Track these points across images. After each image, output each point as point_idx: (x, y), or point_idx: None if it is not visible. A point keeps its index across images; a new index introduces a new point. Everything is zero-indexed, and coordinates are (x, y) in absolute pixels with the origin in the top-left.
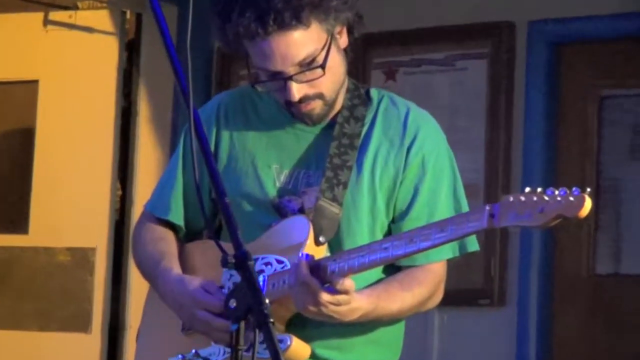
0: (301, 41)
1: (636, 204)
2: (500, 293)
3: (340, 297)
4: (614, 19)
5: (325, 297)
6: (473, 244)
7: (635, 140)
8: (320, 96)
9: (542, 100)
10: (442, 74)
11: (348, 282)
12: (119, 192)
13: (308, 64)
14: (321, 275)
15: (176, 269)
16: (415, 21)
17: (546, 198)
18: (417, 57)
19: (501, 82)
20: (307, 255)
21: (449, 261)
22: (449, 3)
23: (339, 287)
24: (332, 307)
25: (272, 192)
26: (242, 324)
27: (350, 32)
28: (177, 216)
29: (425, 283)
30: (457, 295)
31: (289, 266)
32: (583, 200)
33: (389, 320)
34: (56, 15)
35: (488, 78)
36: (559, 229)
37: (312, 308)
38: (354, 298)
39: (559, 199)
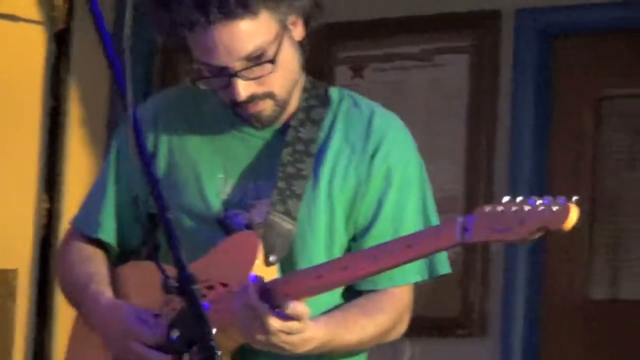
0: (248, 32)
1: (637, 219)
2: (480, 322)
3: (292, 325)
4: (615, 8)
5: (275, 324)
6: (444, 266)
7: (636, 147)
8: (270, 95)
9: (531, 100)
10: (417, 70)
11: (300, 307)
12: (46, 205)
13: (256, 59)
14: (271, 299)
15: (107, 293)
16: (386, 10)
17: (527, 208)
18: (388, 51)
19: (484, 79)
20: (256, 276)
21: (420, 286)
22: None
23: (290, 312)
24: (283, 336)
25: (216, 206)
26: (186, 357)
27: (306, 23)
28: (109, 234)
29: (388, 310)
30: (431, 325)
31: (235, 290)
32: (568, 209)
33: (347, 352)
34: None
35: (469, 75)
36: (547, 250)
37: (260, 337)
38: (308, 326)
39: (541, 208)
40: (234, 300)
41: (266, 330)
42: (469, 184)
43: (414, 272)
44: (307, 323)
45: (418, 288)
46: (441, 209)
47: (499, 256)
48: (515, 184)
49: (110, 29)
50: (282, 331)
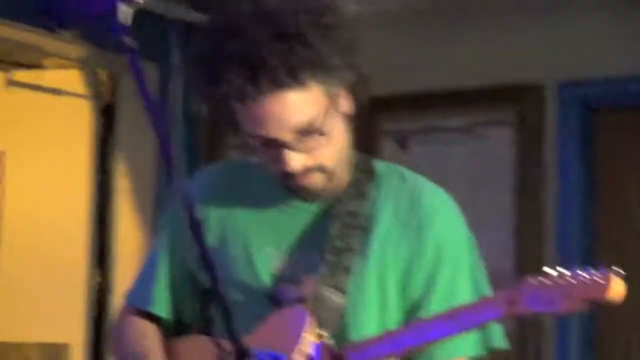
0: (298, 103)
1: None
2: None
3: None
4: None
5: None
6: (499, 339)
7: None
8: (321, 168)
9: (576, 170)
10: (462, 143)
11: None
12: (97, 280)
13: (306, 131)
14: None
15: None
16: (430, 84)
17: (571, 280)
18: (432, 124)
19: (529, 151)
20: (319, 344)
21: None
22: (468, 64)
23: None
24: None
25: (266, 280)
26: None
27: (353, 96)
28: (162, 308)
29: None
30: None
31: None
32: (608, 280)
33: None
34: (20, 75)
35: (514, 147)
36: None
37: None
38: None
39: (584, 280)
40: None
41: None
42: (518, 257)
43: (470, 345)
44: None
45: None
46: (490, 281)
47: (552, 330)
48: (564, 253)
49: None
50: None
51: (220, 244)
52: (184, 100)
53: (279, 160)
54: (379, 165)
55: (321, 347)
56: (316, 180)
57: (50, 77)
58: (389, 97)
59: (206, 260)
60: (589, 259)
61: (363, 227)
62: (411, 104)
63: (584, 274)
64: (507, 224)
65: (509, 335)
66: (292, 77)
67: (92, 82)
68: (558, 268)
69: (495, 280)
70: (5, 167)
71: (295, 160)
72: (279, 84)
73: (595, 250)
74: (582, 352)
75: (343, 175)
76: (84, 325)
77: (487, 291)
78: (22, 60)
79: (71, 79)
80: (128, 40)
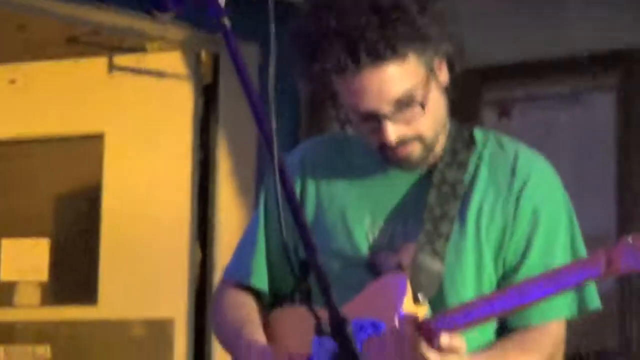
0: (397, 76)
1: None
2: (639, 356)
3: (451, 358)
4: None
5: (434, 357)
6: (594, 301)
7: None
8: (419, 138)
9: None
10: (563, 110)
11: (457, 340)
12: (199, 256)
13: (405, 102)
14: (425, 334)
15: (260, 338)
16: (531, 52)
17: None
18: (534, 92)
19: (632, 117)
20: (404, 314)
21: (575, 322)
22: (567, 30)
23: (445, 345)
24: None
25: (364, 249)
26: None
27: (450, 67)
28: (261, 281)
29: (544, 346)
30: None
31: (384, 330)
32: None
33: None
34: (122, 59)
35: (617, 113)
36: None
37: None
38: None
39: None
40: (388, 340)
41: None
42: (621, 221)
43: (564, 307)
44: (464, 358)
45: (575, 324)
46: (594, 248)
47: None
48: None
49: (256, 81)
50: None
51: (318, 215)
52: (283, 78)
53: (378, 132)
54: (477, 133)
55: (403, 319)
56: (414, 150)
57: (152, 60)
58: (489, 67)
59: (304, 232)
60: None
61: (460, 195)
62: (512, 72)
63: None
64: (610, 190)
65: (611, 297)
66: (390, 49)
67: (193, 63)
68: None
69: (599, 245)
70: (105, 148)
71: (394, 132)
72: (378, 57)
73: None
74: None
75: (440, 145)
76: (187, 300)
77: (584, 254)
78: (124, 45)
79: (172, 61)
80: (225, 21)
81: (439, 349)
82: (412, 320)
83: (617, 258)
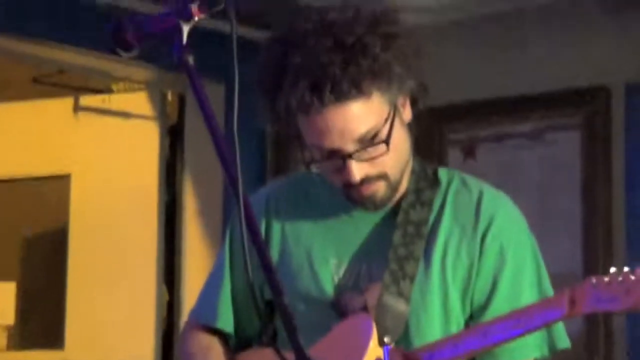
0: (361, 114)
1: None
2: None
3: None
4: None
5: None
6: (563, 341)
7: None
8: (383, 176)
9: None
10: (529, 149)
11: None
12: (166, 298)
13: (369, 140)
14: None
15: None
16: (495, 90)
17: (632, 278)
18: (499, 131)
19: (597, 155)
20: (391, 348)
21: None
22: (533, 69)
23: None
24: None
25: (330, 290)
26: None
27: (414, 104)
28: (227, 323)
29: None
30: None
31: None
32: None
33: None
34: (88, 99)
35: (582, 151)
36: None
37: None
38: None
39: None
40: None
41: None
42: (588, 260)
43: (534, 347)
44: None
45: None
46: (561, 286)
47: (621, 331)
48: (634, 258)
49: (222, 120)
50: None
51: (283, 255)
52: (249, 117)
53: (342, 171)
54: (441, 172)
55: (391, 351)
56: (379, 189)
57: (118, 100)
58: (453, 106)
59: (269, 272)
60: None
61: (425, 235)
62: (477, 111)
63: None
64: (575, 229)
65: (578, 337)
66: (354, 87)
67: (159, 103)
68: (622, 268)
69: (566, 283)
70: (71, 190)
71: (358, 171)
72: (342, 95)
73: None
74: None
75: (404, 184)
76: (154, 343)
77: (551, 293)
78: (89, 85)
79: (138, 101)
80: (188, 59)
81: None
82: (401, 353)
83: (581, 298)
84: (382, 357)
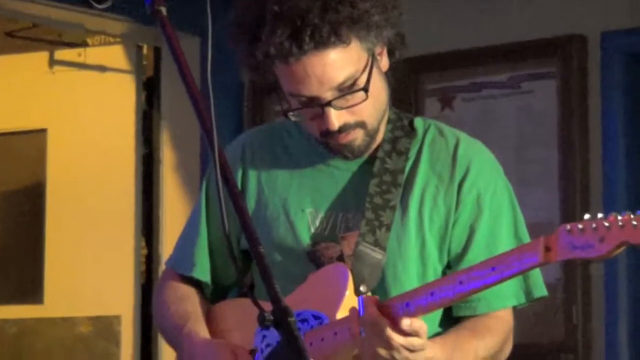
0: (340, 61)
1: None
2: (585, 346)
3: (414, 341)
4: None
5: (398, 339)
6: (540, 289)
7: None
8: (361, 124)
9: (621, 121)
10: (506, 98)
11: (418, 323)
12: (144, 251)
13: (348, 88)
14: (388, 316)
15: (202, 332)
16: (472, 40)
17: (606, 224)
18: (476, 81)
19: (574, 104)
20: (363, 297)
21: (523, 312)
22: (509, 18)
23: (408, 328)
24: (405, 352)
25: (306, 240)
26: None
27: (391, 54)
28: (203, 272)
29: (496, 332)
30: (535, 350)
31: (327, 321)
32: None
33: None
34: (63, 54)
35: (558, 100)
36: None
37: (383, 353)
38: (428, 344)
39: (620, 224)
40: (348, 322)
41: (390, 346)
42: (565, 208)
43: (511, 295)
44: (426, 341)
45: (521, 313)
46: (538, 236)
47: (599, 278)
48: (611, 207)
49: (198, 73)
50: (405, 347)
51: (259, 205)
52: (226, 69)
53: (320, 119)
54: (417, 122)
55: (365, 300)
56: (357, 137)
57: (93, 54)
58: (430, 56)
59: (245, 222)
60: (636, 210)
61: (401, 184)
62: (454, 61)
63: (620, 217)
64: (552, 178)
65: (556, 285)
66: (334, 34)
67: (134, 56)
68: (596, 215)
69: (543, 232)
70: (47, 144)
71: (336, 118)
72: (321, 42)
73: None
74: (632, 302)
75: (380, 134)
76: (134, 296)
77: (528, 239)
78: (64, 39)
79: (113, 55)
80: (162, 10)
81: (402, 332)
82: (375, 302)
83: (555, 245)
84: (356, 306)
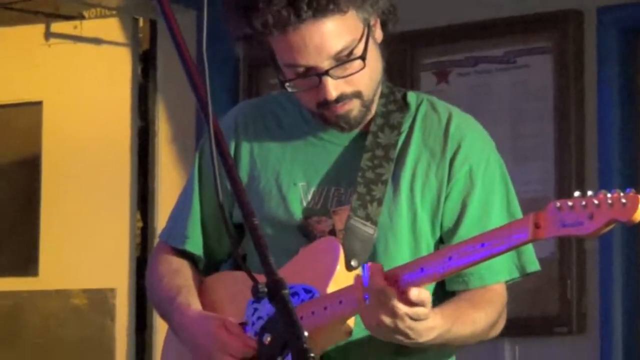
0: (337, 30)
1: None
2: (579, 319)
3: (419, 310)
4: None
5: (403, 307)
6: (533, 264)
7: None
8: (358, 95)
9: (617, 97)
10: (501, 72)
11: (425, 293)
12: (140, 224)
13: (345, 57)
14: (392, 285)
15: (194, 304)
16: (467, 14)
17: (596, 202)
18: (471, 55)
19: (569, 78)
20: (368, 265)
21: (518, 286)
22: None
23: (415, 297)
24: (408, 321)
25: (298, 213)
26: None
27: (384, 26)
28: (196, 245)
29: (493, 304)
30: (529, 323)
31: (317, 295)
32: (637, 202)
33: (459, 346)
34: (59, 26)
35: (554, 75)
36: None
37: (387, 321)
38: (431, 314)
39: (609, 202)
40: (352, 290)
41: (394, 314)
42: (560, 183)
43: (503, 270)
44: (430, 310)
45: (516, 288)
46: (533, 211)
47: (594, 253)
48: (606, 181)
49: (194, 46)
50: (409, 316)
51: (252, 178)
52: (221, 43)
53: (317, 89)
54: (410, 96)
55: (371, 268)
56: (353, 108)
57: (89, 27)
58: (426, 30)
59: (239, 194)
60: (632, 185)
61: (393, 159)
62: (449, 35)
63: (610, 195)
64: (548, 153)
65: (551, 261)
66: (331, 2)
67: (130, 29)
68: (586, 192)
69: (538, 207)
70: (43, 117)
71: (334, 87)
72: (319, 10)
73: (638, 179)
74: (627, 277)
75: (373, 108)
76: (128, 269)
77: (519, 213)
78: (60, 11)
79: (109, 28)
80: None
81: (409, 302)
82: (380, 270)
83: (545, 222)
84: (360, 274)
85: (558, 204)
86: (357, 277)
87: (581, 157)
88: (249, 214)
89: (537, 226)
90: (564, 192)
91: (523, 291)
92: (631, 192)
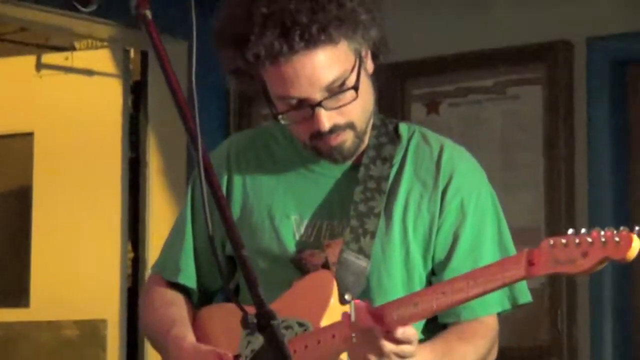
0: (329, 61)
1: None
2: (570, 350)
3: (405, 348)
4: None
5: (389, 346)
6: (524, 295)
7: None
8: (351, 125)
9: (607, 127)
10: (491, 103)
11: (411, 331)
12: (131, 255)
13: (337, 88)
14: (379, 322)
15: (189, 336)
16: (457, 45)
17: (589, 240)
18: (462, 86)
19: (559, 109)
20: (358, 302)
21: (508, 317)
22: (495, 23)
23: (401, 335)
24: (395, 359)
25: (291, 247)
26: None
27: (375, 58)
28: (189, 278)
29: (483, 336)
30: (520, 354)
31: (311, 329)
32: (630, 240)
33: None
34: (50, 57)
35: (544, 105)
36: (633, 275)
37: (373, 359)
38: (418, 351)
39: (603, 240)
40: (339, 328)
41: (380, 353)
42: (550, 213)
43: (495, 302)
44: (417, 347)
45: (506, 318)
46: (523, 241)
47: (584, 283)
48: (596, 213)
49: (185, 77)
50: (396, 354)
51: (244, 212)
52: (212, 74)
53: (310, 121)
54: (402, 127)
55: (357, 306)
56: (346, 139)
57: (80, 58)
58: (416, 61)
59: (229, 227)
60: (622, 219)
61: (386, 191)
62: (440, 66)
63: (603, 233)
64: (538, 184)
65: (542, 289)
66: (323, 32)
67: (121, 60)
68: (580, 230)
69: (528, 238)
70: (34, 148)
71: (327, 119)
72: (310, 41)
73: (629, 210)
74: (617, 308)
75: (365, 139)
76: (119, 300)
77: (511, 245)
78: (51, 43)
79: (101, 58)
80: (146, 13)
81: (395, 340)
82: (367, 308)
83: (538, 260)
84: (347, 311)
85: (551, 242)
86: (345, 314)
87: (571, 187)
88: (239, 246)
89: (530, 263)
90: (554, 223)
91: (513, 321)
92: (624, 230)
